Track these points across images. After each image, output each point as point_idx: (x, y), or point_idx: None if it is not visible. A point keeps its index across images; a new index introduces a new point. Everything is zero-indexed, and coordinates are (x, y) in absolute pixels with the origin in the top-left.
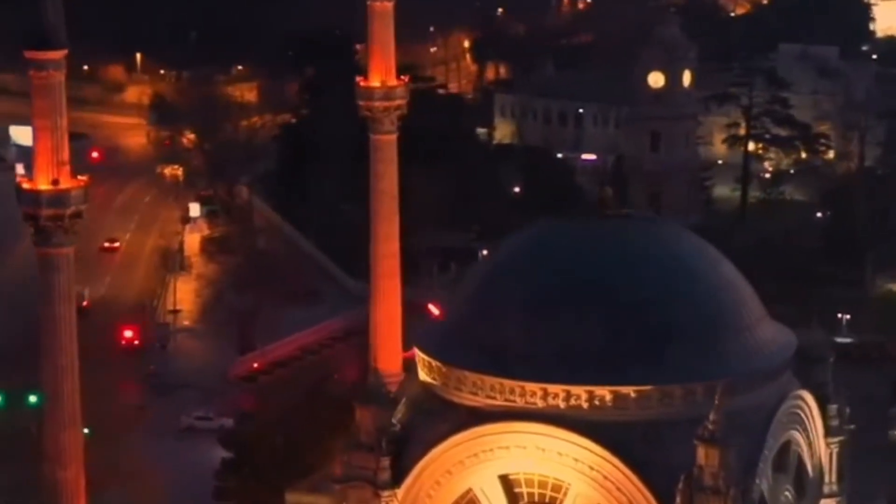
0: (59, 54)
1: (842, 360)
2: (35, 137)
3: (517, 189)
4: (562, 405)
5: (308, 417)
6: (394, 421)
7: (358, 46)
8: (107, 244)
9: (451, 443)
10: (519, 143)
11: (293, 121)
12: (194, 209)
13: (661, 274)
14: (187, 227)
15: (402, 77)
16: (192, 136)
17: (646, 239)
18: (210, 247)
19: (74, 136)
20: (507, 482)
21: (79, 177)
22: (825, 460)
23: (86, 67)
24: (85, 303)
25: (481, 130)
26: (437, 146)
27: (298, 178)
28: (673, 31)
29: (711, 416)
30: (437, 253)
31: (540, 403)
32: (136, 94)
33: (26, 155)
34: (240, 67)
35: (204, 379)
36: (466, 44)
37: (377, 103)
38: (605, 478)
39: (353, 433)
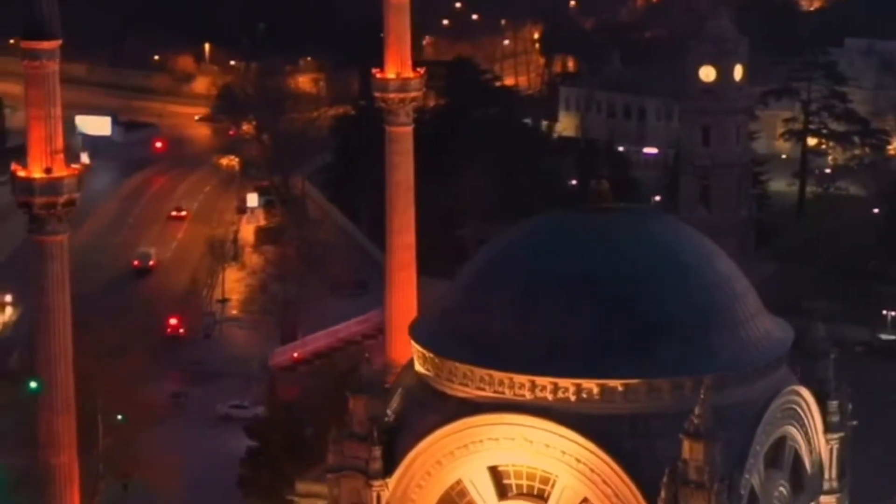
0: (52, 44)
1: (889, 357)
2: (29, 126)
3: (574, 182)
4: (549, 397)
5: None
6: (388, 411)
7: (427, 38)
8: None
9: (441, 434)
10: (582, 136)
11: (351, 112)
12: (252, 199)
13: (652, 268)
14: (243, 217)
15: (418, 69)
16: (252, 126)
17: (640, 232)
18: (264, 237)
19: (139, 126)
20: (496, 473)
21: (72, 165)
22: (825, 456)
23: (156, 57)
24: (152, 262)
25: (546, 123)
26: (491, 138)
27: (353, 169)
28: (724, 25)
29: (697, 411)
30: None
31: (528, 395)
32: (204, 84)
33: (91, 144)
34: (308, 59)
35: (244, 368)
36: (536, 37)
37: (392, 95)
38: (592, 470)
39: (346, 423)
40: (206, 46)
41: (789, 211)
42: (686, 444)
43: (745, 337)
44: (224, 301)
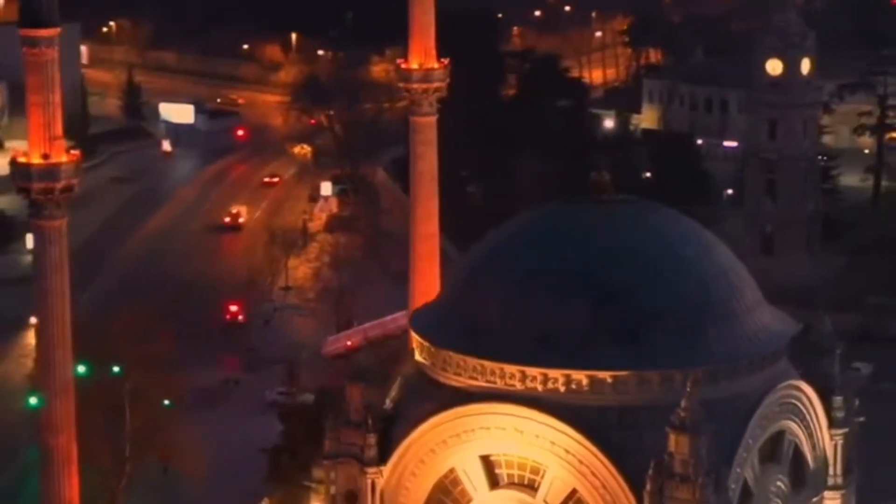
0: (51, 32)
1: None
2: (28, 113)
3: (648, 174)
4: (539, 388)
5: None
6: (387, 400)
7: (516, 29)
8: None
9: (434, 422)
10: (663, 128)
11: None
12: (326, 188)
13: (646, 259)
14: (316, 205)
15: (442, 60)
16: (326, 116)
17: (636, 224)
18: (334, 225)
19: (223, 114)
20: (488, 462)
21: (71, 152)
22: (829, 452)
23: (245, 46)
24: (242, 220)
25: (624, 116)
26: (561, 129)
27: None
28: (790, 18)
29: (683, 404)
30: None
31: (519, 386)
32: (291, 73)
33: (174, 131)
34: (395, 49)
35: (299, 356)
36: (622, 29)
37: (415, 85)
38: (580, 461)
39: (343, 410)
40: (293, 36)
41: (862, 206)
42: (672, 437)
43: (741, 330)
44: (287, 289)
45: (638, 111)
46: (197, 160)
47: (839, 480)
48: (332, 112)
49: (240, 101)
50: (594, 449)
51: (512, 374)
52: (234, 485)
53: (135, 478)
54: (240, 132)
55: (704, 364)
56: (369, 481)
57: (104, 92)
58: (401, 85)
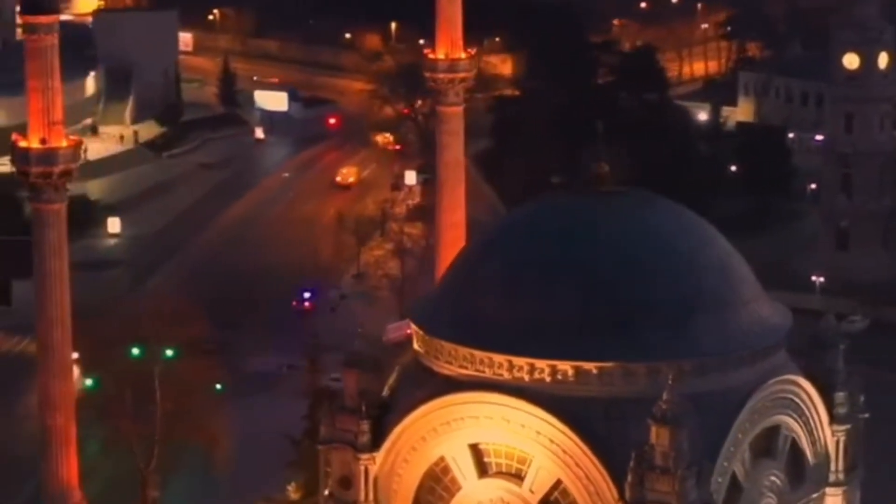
0: (50, 19)
1: None
2: (28, 98)
3: (734, 168)
4: (526, 378)
5: None
6: (386, 387)
7: (616, 22)
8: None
9: (425, 410)
10: (758, 121)
11: (511, 94)
12: (410, 177)
13: (638, 251)
14: (399, 194)
15: (469, 50)
16: (413, 105)
17: (632, 216)
18: (415, 214)
19: (318, 102)
20: (477, 451)
21: (71, 137)
22: (831, 448)
23: (348, 36)
24: (352, 179)
25: (727, 108)
26: (645, 121)
27: (511, 150)
28: (868, 12)
29: (665, 396)
30: None
31: (506, 375)
32: (390, 62)
33: (268, 119)
34: (496, 39)
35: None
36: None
37: (441, 75)
38: (565, 452)
39: (339, 396)
40: (393, 25)
41: None
42: (653, 429)
43: (733, 324)
44: (359, 275)
45: (735, 104)
46: (288, 148)
47: (841, 477)
48: (418, 102)
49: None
50: (578, 440)
51: (500, 364)
52: (266, 469)
53: (167, 461)
54: (332, 120)
55: (692, 357)
56: (362, 467)
57: (204, 79)
58: (427, 74)
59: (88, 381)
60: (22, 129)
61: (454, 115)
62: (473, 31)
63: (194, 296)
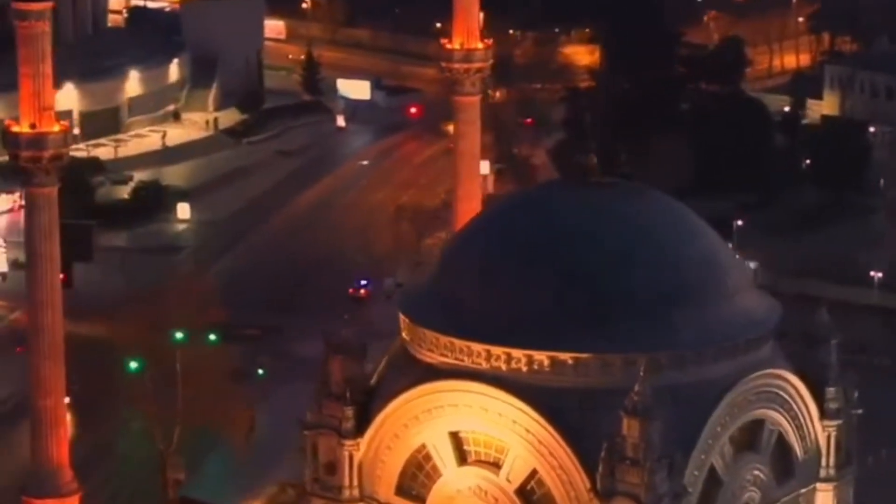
0: (42, 6)
1: None
2: (19, 84)
3: (809, 161)
4: (503, 367)
5: None
6: (375, 374)
7: (710, 13)
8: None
9: (407, 397)
10: (843, 115)
11: (584, 85)
12: (484, 167)
13: (621, 242)
14: None
15: (486, 41)
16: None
17: (617, 208)
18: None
19: (401, 91)
20: (457, 439)
21: (61, 122)
22: (822, 444)
23: (438, 25)
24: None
25: (814, 102)
26: (718, 115)
27: (578, 142)
28: None
29: (636, 388)
30: None
31: (484, 364)
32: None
33: (349, 107)
34: (585, 30)
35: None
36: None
37: (456, 65)
38: (540, 442)
39: (325, 382)
40: (481, 15)
41: None
42: (625, 421)
43: (715, 317)
44: (419, 265)
45: (821, 97)
46: (368, 136)
47: (832, 472)
48: (497, 92)
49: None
50: (552, 430)
51: (478, 353)
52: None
53: (193, 444)
54: (413, 109)
55: (669, 349)
56: (347, 453)
57: (293, 67)
58: (442, 64)
59: (133, 364)
60: (103, 115)
61: (470, 104)
62: (559, 22)
63: (253, 281)
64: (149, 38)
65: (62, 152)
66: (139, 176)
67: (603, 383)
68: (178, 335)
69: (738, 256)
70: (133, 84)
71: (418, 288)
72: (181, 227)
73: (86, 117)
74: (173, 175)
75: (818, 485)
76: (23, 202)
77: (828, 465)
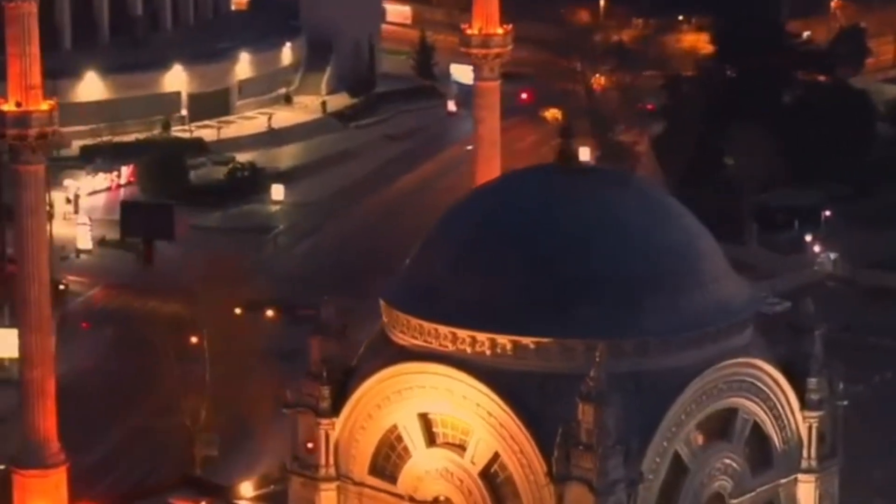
0: None
1: None
2: (7, 63)
3: None
4: (468, 350)
5: None
6: (356, 356)
7: (837, 2)
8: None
9: (379, 378)
10: None
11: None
12: (584, 153)
13: (588, 228)
14: None
15: (506, 26)
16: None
17: (591, 194)
18: None
19: (516, 77)
20: (426, 421)
21: (49, 101)
22: (804, 435)
23: (562, 11)
24: None
25: None
26: (820, 105)
27: (681, 130)
28: None
29: (592, 373)
30: (783, 211)
31: (450, 347)
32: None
33: (462, 92)
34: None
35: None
36: None
37: (475, 50)
38: (501, 425)
39: (307, 362)
40: (602, 2)
41: None
42: (580, 407)
43: (685, 305)
44: None
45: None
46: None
47: (814, 464)
48: (600, 78)
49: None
50: (512, 413)
51: (445, 335)
52: None
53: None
54: (523, 95)
55: (633, 336)
56: (323, 432)
57: (411, 52)
58: (462, 49)
59: (193, 340)
60: (212, 96)
61: (489, 90)
62: (681, 9)
63: (332, 263)
64: (266, 21)
65: (48, 131)
66: (243, 158)
67: (564, 368)
68: (237, 311)
69: (712, 245)
70: (244, 67)
71: (399, 272)
72: (274, 208)
73: (194, 99)
74: (276, 157)
75: (800, 476)
76: (121, 181)
77: (809, 456)
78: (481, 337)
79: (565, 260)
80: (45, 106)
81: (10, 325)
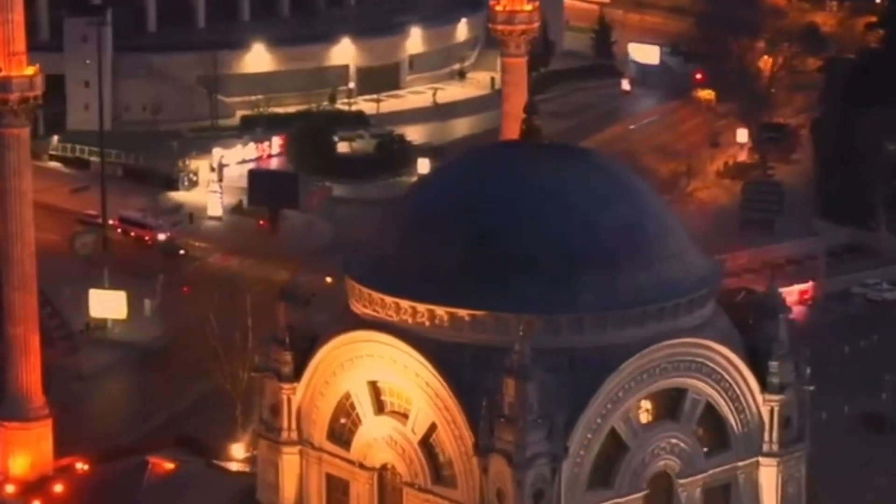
0: None
1: None
2: None
3: None
4: (409, 320)
5: None
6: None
7: None
8: None
9: (333, 345)
10: None
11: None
12: (742, 135)
13: (531, 205)
14: (716, 150)
15: (533, 2)
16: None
17: (542, 171)
18: (728, 171)
19: (696, 57)
20: (375, 388)
21: (33, 66)
22: (765, 418)
23: None
24: None
25: None
26: None
27: (838, 113)
28: None
29: (516, 347)
30: None
31: (394, 317)
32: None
33: (641, 71)
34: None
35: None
36: None
37: (500, 26)
38: (436, 395)
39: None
40: None
41: None
42: (505, 381)
43: (626, 282)
44: None
45: None
46: (650, 100)
47: (775, 448)
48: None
49: None
50: (444, 384)
51: (390, 306)
52: None
53: None
54: (699, 75)
55: (569, 312)
56: (285, 396)
57: (590, 29)
58: (490, 25)
59: None
60: (381, 70)
61: (516, 66)
62: None
63: None
64: None
65: (29, 96)
66: (409, 133)
67: (498, 342)
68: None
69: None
70: (415, 41)
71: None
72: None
73: (363, 72)
74: (440, 132)
75: (761, 459)
76: (271, 151)
77: (771, 440)
78: (421, 308)
79: (507, 235)
80: (29, 71)
81: (111, 288)
